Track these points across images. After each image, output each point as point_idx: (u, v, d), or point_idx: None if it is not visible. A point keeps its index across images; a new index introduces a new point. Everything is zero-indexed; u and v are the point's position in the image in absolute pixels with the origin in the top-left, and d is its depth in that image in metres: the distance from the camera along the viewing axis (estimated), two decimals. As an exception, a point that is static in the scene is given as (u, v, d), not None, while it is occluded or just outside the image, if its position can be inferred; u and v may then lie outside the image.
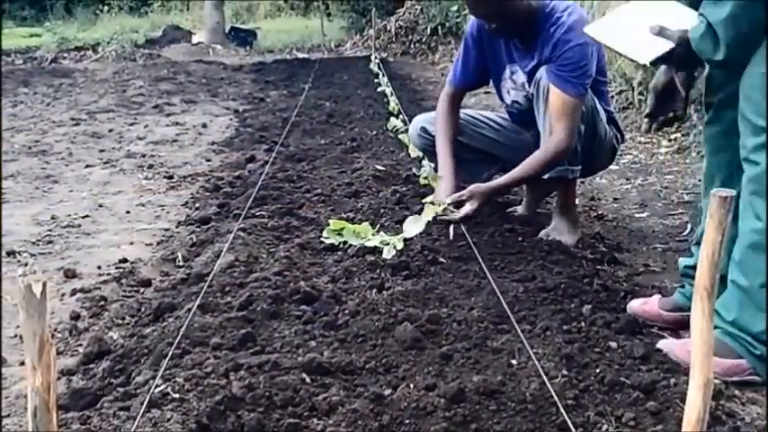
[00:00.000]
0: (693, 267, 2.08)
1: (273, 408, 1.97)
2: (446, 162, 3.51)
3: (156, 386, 2.04)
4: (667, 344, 2.36)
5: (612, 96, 6.80)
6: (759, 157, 2.12)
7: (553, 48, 3.24)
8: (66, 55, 15.16)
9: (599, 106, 3.38)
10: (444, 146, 3.55)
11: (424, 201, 3.49)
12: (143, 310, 2.79)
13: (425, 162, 4.14)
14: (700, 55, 2.20)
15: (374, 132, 6.00)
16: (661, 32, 2.31)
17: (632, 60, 2.56)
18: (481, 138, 3.72)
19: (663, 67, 2.51)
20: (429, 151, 3.88)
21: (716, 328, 2.26)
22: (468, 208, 3.23)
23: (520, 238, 3.31)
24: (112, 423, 1.96)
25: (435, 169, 3.72)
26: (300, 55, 14.89)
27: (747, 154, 2.16)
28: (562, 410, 1.91)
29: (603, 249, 3.37)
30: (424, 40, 14.25)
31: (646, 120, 2.65)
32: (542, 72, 3.26)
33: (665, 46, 2.31)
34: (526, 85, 3.44)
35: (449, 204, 3.24)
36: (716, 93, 2.41)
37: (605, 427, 1.90)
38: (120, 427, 1.93)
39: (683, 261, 2.68)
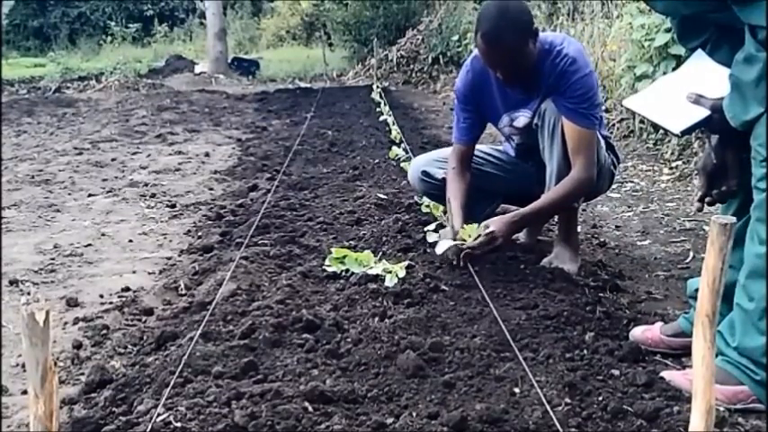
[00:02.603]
0: None
1: (275, 437, 1.96)
2: (457, 210, 3.40)
3: (158, 415, 2.03)
4: (669, 374, 2.35)
5: (613, 124, 6.85)
6: (764, 184, 2.14)
7: (559, 79, 3.24)
8: (69, 85, 15.28)
9: (598, 133, 3.40)
10: (455, 200, 3.43)
11: (426, 229, 3.50)
12: (145, 338, 2.79)
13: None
14: (730, 120, 2.18)
15: (376, 161, 6.03)
16: (697, 100, 2.31)
17: (665, 130, 2.54)
18: (481, 174, 3.68)
19: (712, 145, 2.47)
20: (432, 195, 3.85)
21: (717, 355, 2.26)
22: (499, 240, 3.21)
23: (522, 266, 3.31)
24: (114, 452, 1.95)
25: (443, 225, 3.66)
26: (302, 84, 15.01)
27: (756, 182, 2.18)
28: (565, 439, 1.90)
29: (605, 277, 3.36)
30: (425, 69, 14.36)
31: (698, 202, 2.51)
32: (548, 104, 3.28)
33: (700, 114, 2.30)
34: (527, 125, 3.44)
35: (471, 244, 3.19)
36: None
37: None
38: (121, 456, 1.93)
39: (693, 283, 2.67)
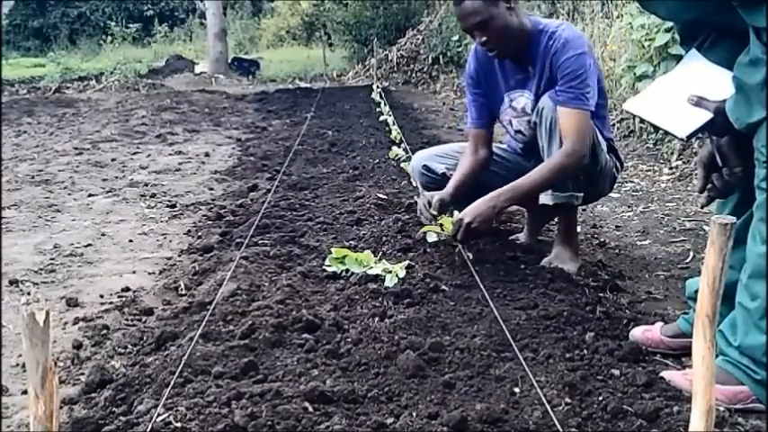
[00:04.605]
0: None
1: (276, 437, 1.96)
2: (453, 179, 3.55)
3: (158, 415, 2.03)
4: (669, 374, 2.35)
5: (613, 124, 6.85)
6: (766, 185, 2.14)
7: (551, 61, 3.28)
8: (69, 85, 15.28)
9: (599, 135, 3.39)
10: (456, 172, 3.58)
11: (425, 229, 3.51)
12: (145, 338, 2.78)
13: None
14: (735, 123, 2.17)
15: (376, 161, 6.03)
16: (699, 103, 2.30)
17: (671, 135, 2.53)
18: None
19: (708, 139, 2.47)
20: (432, 189, 3.84)
21: (717, 355, 2.26)
22: (474, 222, 3.21)
23: (522, 266, 3.31)
24: (114, 452, 1.95)
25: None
26: (302, 84, 15.01)
27: (758, 182, 2.18)
28: (565, 439, 1.90)
29: (606, 277, 3.36)
30: (425, 69, 14.36)
31: (703, 195, 2.47)
32: (546, 100, 3.28)
33: (704, 117, 2.29)
34: (527, 109, 3.46)
35: (455, 235, 3.23)
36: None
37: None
38: (121, 456, 1.93)
39: (692, 284, 2.66)
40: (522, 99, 3.49)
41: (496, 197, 3.26)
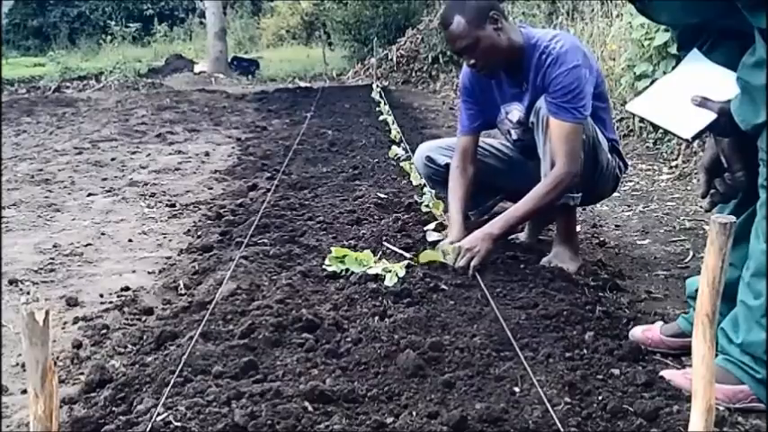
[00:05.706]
0: None
1: (275, 436, 1.96)
2: (455, 216, 3.50)
3: (158, 414, 2.03)
4: (669, 373, 2.35)
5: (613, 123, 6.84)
6: None
7: (543, 76, 3.28)
8: (69, 84, 15.27)
9: (600, 135, 3.39)
10: (454, 203, 3.54)
11: (425, 228, 3.50)
12: (145, 338, 2.78)
13: (427, 189, 4.15)
14: (740, 124, 2.16)
15: (376, 160, 6.03)
16: (703, 104, 2.29)
17: (676, 136, 2.52)
18: (485, 167, 3.70)
19: (710, 142, 2.45)
20: (434, 180, 3.93)
21: (717, 354, 2.26)
22: (475, 258, 3.17)
23: (522, 266, 3.31)
24: (114, 452, 1.95)
25: (445, 210, 3.75)
26: (302, 84, 15.00)
27: (762, 181, 2.18)
28: (565, 438, 1.90)
29: (605, 276, 3.36)
30: (425, 68, 14.35)
31: (707, 201, 2.47)
32: (541, 102, 3.29)
33: (708, 117, 2.28)
34: (522, 120, 3.46)
35: (456, 262, 3.19)
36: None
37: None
38: (121, 455, 1.93)
39: (692, 284, 2.66)
40: (516, 112, 3.50)
41: (493, 225, 3.27)
